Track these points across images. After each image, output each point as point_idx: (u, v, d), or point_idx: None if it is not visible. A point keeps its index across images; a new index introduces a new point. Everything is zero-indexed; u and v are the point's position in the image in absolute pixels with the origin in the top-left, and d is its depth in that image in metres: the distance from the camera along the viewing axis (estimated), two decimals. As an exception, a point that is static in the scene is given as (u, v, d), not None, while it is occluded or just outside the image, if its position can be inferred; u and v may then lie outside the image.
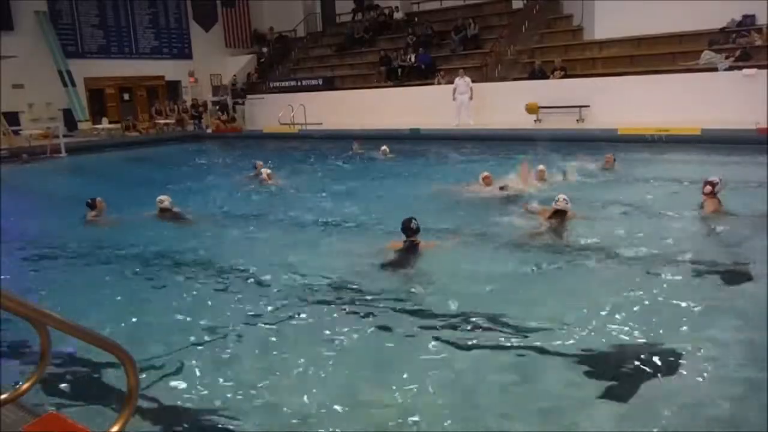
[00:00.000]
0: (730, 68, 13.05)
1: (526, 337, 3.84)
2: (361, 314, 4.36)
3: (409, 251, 5.48)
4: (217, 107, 21.88)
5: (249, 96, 21.57)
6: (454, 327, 4.05)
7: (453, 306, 4.36)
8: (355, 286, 4.91)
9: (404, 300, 4.58)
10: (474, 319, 4.11)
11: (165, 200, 7.61)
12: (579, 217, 6.43)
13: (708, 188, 6.47)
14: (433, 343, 3.84)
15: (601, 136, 12.78)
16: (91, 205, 7.72)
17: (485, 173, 8.36)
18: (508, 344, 3.78)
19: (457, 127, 15.58)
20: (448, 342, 3.84)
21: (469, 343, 3.82)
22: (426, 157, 12.75)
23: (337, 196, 8.81)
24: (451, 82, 16.30)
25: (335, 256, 5.85)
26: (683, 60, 14.08)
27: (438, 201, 8.02)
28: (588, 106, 14.43)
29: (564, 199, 6.29)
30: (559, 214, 6.26)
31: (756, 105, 11.48)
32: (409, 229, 5.49)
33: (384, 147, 12.48)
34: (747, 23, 13.92)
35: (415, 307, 4.43)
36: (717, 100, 12.39)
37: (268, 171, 10.20)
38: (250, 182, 10.29)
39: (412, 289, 4.78)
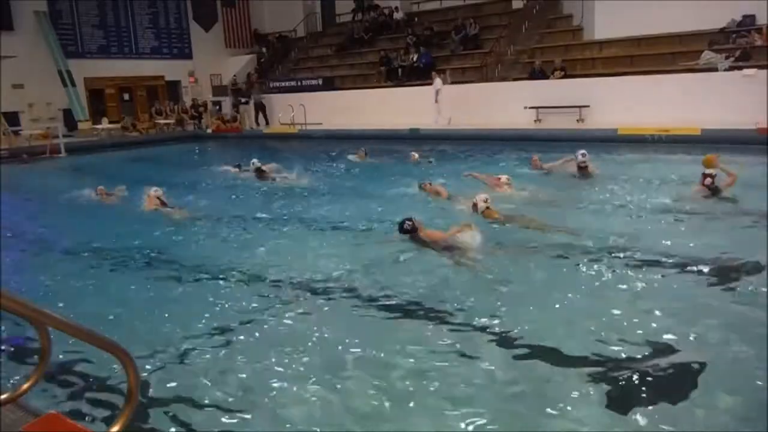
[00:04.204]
0: (730, 68, 13.05)
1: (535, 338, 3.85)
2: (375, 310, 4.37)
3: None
4: (219, 106, 21.89)
5: (241, 98, 21.37)
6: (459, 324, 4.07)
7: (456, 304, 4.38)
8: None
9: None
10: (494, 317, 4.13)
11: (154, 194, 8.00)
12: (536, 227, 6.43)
13: (708, 180, 7.01)
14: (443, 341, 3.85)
15: (601, 136, 12.79)
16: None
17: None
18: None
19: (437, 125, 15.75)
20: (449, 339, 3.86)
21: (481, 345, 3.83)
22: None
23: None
24: (455, 82, 16.32)
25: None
26: (683, 60, 14.07)
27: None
28: (588, 106, 14.42)
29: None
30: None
31: (756, 105, 11.47)
32: (403, 230, 5.82)
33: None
34: (747, 23, 13.91)
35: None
36: (717, 100, 12.38)
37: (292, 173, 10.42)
38: (254, 179, 10.38)
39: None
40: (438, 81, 16.18)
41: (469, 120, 15.64)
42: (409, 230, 5.76)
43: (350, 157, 12.50)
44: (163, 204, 8.04)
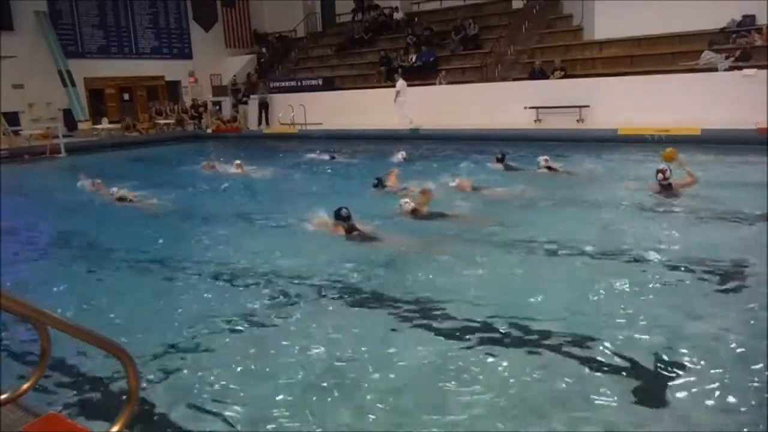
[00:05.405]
0: (730, 68, 13.05)
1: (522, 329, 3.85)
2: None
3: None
4: (219, 106, 21.88)
5: (251, 95, 21.35)
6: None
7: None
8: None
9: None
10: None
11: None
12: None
13: (660, 176, 7.26)
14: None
15: (601, 136, 12.79)
16: None
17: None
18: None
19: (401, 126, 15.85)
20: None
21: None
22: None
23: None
24: (453, 82, 16.29)
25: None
26: (683, 60, 14.08)
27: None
28: (588, 106, 14.42)
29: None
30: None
31: (756, 105, 11.47)
32: (340, 217, 6.15)
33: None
34: (747, 23, 13.91)
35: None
36: (717, 100, 12.38)
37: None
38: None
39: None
40: (400, 83, 16.24)
41: (468, 120, 15.62)
42: (344, 217, 6.09)
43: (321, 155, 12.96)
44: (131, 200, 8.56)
